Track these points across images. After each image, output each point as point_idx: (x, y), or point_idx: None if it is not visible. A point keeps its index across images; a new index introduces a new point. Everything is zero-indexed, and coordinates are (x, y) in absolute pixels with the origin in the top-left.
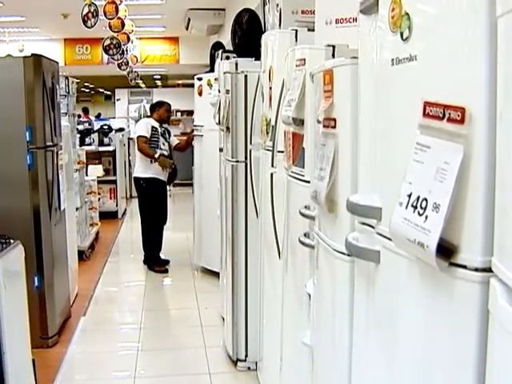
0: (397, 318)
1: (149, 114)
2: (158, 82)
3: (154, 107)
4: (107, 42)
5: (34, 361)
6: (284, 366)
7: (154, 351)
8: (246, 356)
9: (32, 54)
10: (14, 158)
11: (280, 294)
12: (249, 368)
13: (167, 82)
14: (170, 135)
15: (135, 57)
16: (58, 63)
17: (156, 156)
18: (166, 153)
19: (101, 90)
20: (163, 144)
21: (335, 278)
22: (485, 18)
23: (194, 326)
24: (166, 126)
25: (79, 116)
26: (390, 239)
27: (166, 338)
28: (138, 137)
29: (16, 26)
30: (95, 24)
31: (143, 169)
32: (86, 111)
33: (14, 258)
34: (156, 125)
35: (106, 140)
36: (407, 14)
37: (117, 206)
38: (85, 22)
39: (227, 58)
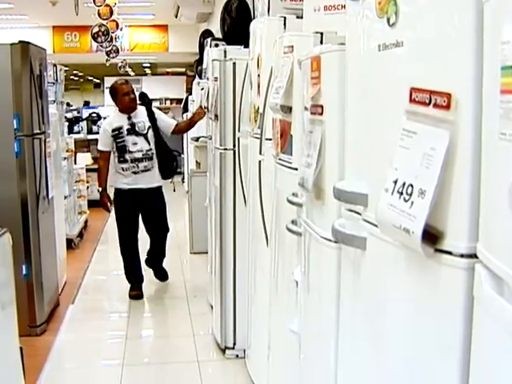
0: (383, 304)
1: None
2: (148, 70)
3: (112, 97)
4: (95, 30)
5: (21, 349)
6: (272, 354)
7: (142, 339)
8: (235, 344)
9: (19, 41)
10: (1, 146)
11: (268, 282)
12: (237, 356)
13: (156, 70)
14: (154, 120)
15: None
16: (45, 50)
17: (100, 189)
18: (139, 154)
19: (90, 78)
20: (134, 144)
21: (322, 265)
22: (471, 2)
23: (182, 314)
24: (134, 114)
25: (68, 104)
26: (376, 226)
27: (154, 326)
28: (98, 151)
29: (4, 13)
30: None
31: (109, 176)
32: None
33: (1, 246)
34: (119, 123)
35: (94, 128)
36: None
37: None
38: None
39: (216, 45)
